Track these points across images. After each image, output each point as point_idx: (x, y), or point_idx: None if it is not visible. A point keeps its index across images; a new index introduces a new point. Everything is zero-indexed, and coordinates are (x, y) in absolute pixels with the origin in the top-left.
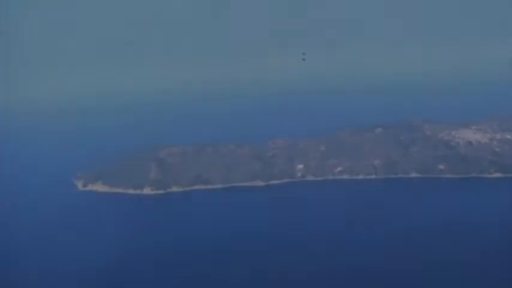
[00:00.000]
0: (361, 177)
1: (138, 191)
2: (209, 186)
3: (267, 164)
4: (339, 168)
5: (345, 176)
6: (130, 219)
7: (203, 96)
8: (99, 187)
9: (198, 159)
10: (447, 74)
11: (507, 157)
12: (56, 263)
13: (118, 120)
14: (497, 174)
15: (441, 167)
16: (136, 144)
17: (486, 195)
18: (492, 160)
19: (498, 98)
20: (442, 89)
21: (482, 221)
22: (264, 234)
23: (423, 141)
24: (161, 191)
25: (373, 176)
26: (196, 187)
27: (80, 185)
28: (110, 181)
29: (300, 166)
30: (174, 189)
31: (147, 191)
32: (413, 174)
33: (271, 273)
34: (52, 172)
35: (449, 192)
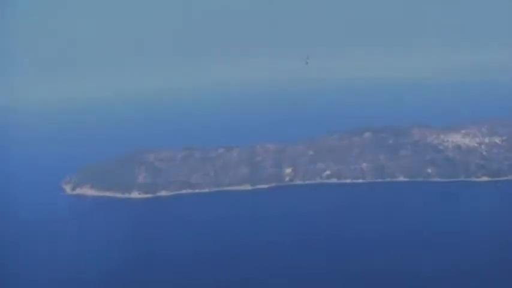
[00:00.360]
0: (348, 181)
1: (126, 195)
2: (197, 190)
3: (255, 168)
4: (327, 172)
5: (333, 180)
6: (113, 224)
7: (185, 99)
8: (87, 191)
9: (187, 163)
10: None
11: (495, 161)
12: (36, 268)
13: (111, 122)
14: (485, 178)
15: (429, 170)
16: (126, 147)
17: (472, 198)
18: (480, 164)
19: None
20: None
21: (466, 224)
22: (244, 240)
23: (412, 145)
24: (149, 195)
25: (360, 180)
26: (184, 191)
27: (68, 188)
28: (98, 185)
29: (288, 170)
30: (163, 193)
31: (135, 195)
32: (401, 178)
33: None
34: (42, 174)
35: (435, 195)
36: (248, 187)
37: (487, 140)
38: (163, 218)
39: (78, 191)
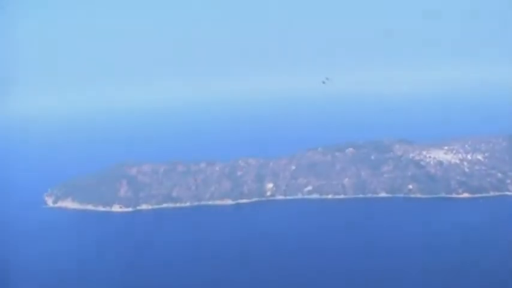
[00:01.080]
0: (330, 196)
1: (107, 209)
2: (178, 205)
3: (237, 182)
4: (309, 188)
5: (314, 196)
6: (87, 236)
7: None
8: (68, 204)
9: (169, 177)
10: None
11: (476, 178)
12: (8, 281)
13: (101, 134)
14: (465, 195)
15: (410, 186)
16: (110, 160)
17: (449, 214)
18: (461, 180)
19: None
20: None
21: (439, 240)
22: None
23: (394, 160)
24: (130, 209)
25: (342, 196)
26: (165, 205)
27: (50, 201)
28: (80, 198)
29: (270, 185)
30: (143, 207)
31: (115, 208)
32: (382, 194)
33: None
34: (28, 186)
35: (414, 211)
36: (229, 202)
37: (469, 156)
38: (139, 231)
39: (59, 204)
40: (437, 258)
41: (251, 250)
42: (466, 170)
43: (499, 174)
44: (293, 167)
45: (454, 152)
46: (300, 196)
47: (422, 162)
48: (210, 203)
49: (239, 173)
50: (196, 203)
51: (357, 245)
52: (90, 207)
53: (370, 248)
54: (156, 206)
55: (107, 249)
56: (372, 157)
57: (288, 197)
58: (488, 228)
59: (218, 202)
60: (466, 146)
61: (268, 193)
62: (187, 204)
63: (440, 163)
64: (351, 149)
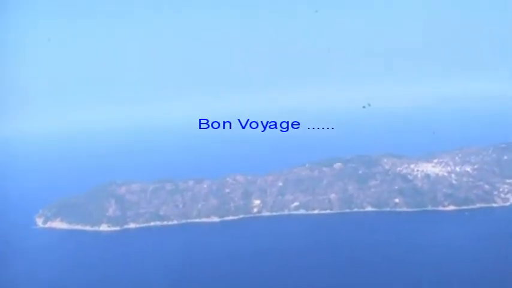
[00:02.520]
0: (316, 212)
1: (95, 228)
2: (165, 223)
3: (224, 199)
4: (295, 204)
5: (301, 211)
6: (72, 256)
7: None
8: (58, 224)
9: (157, 196)
10: None
11: (463, 190)
12: None
13: (92, 153)
14: (451, 207)
15: (396, 200)
16: (100, 179)
17: (433, 227)
18: (447, 193)
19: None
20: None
21: (419, 253)
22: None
23: (381, 175)
24: (117, 228)
25: (328, 211)
26: (152, 223)
27: (40, 222)
28: (69, 218)
29: (257, 202)
30: (131, 225)
31: (103, 227)
32: (369, 208)
33: None
34: (18, 207)
35: (397, 225)
36: (216, 219)
37: (458, 168)
38: (124, 250)
39: (49, 224)
40: (416, 271)
41: (231, 268)
42: (454, 182)
43: (486, 186)
44: (280, 184)
45: (443, 164)
46: (286, 212)
47: (409, 176)
48: (197, 220)
49: (227, 190)
50: (183, 221)
51: (338, 260)
52: (78, 227)
53: (352, 263)
54: (143, 225)
55: (87, 269)
56: (360, 171)
57: (275, 213)
58: (469, 240)
59: (205, 219)
60: (456, 158)
61: (255, 210)
62: (175, 222)
63: (428, 176)
64: (338, 164)
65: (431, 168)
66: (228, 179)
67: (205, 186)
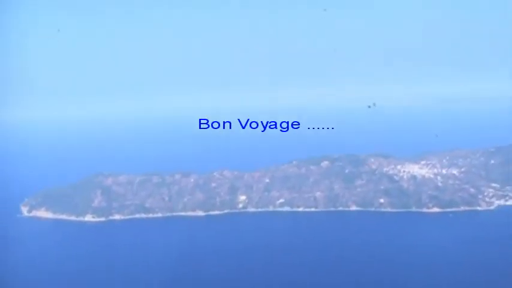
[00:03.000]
0: (301, 209)
1: (80, 218)
2: (150, 215)
3: (210, 194)
4: (281, 200)
5: (286, 208)
6: (51, 245)
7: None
8: (42, 213)
9: (144, 188)
10: None
11: (448, 192)
12: None
13: (85, 145)
14: (436, 209)
15: (381, 200)
16: (90, 170)
17: (416, 228)
18: (432, 195)
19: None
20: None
21: (401, 254)
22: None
23: (368, 174)
24: (102, 219)
25: (313, 209)
26: (137, 215)
27: (25, 210)
28: (54, 207)
29: (243, 197)
30: (116, 217)
31: (88, 218)
32: (354, 208)
33: None
34: (5, 196)
35: (379, 225)
36: (201, 213)
37: (444, 171)
38: (106, 241)
39: (34, 213)
40: (395, 271)
41: (214, 262)
42: (439, 184)
43: (472, 189)
44: (267, 180)
45: (430, 166)
46: (271, 209)
47: (395, 177)
48: (182, 214)
49: (213, 185)
50: (168, 214)
51: (320, 258)
52: (63, 216)
53: (334, 261)
54: (128, 217)
55: (66, 258)
56: (346, 171)
57: (260, 210)
58: (450, 242)
59: (190, 213)
60: (444, 160)
61: (240, 205)
62: (160, 215)
63: (414, 177)
64: (326, 163)
65: (418, 169)
66: (215, 174)
67: (192, 180)
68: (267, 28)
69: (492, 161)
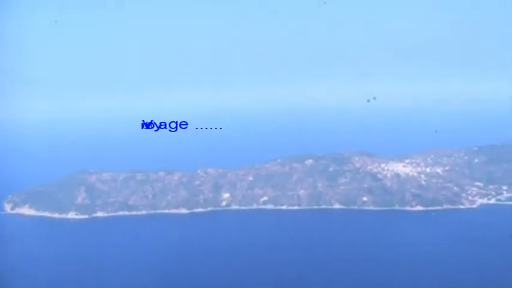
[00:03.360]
0: (284, 207)
1: (63, 215)
2: (134, 213)
3: (193, 192)
4: (264, 198)
5: (269, 206)
6: (32, 242)
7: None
8: (26, 210)
9: (128, 186)
10: None
11: (431, 190)
12: None
13: (71, 142)
14: (419, 207)
15: (364, 198)
16: (74, 168)
17: (397, 226)
18: (415, 193)
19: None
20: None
21: (383, 252)
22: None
23: (352, 173)
24: (86, 216)
25: (296, 207)
26: (121, 213)
27: (8, 207)
28: (37, 205)
29: (226, 195)
30: (99, 214)
31: (71, 215)
32: (337, 206)
33: None
34: None
35: (364, 223)
36: (184, 211)
37: (428, 169)
38: (88, 238)
39: (17, 210)
40: (377, 269)
41: (196, 259)
42: (423, 183)
43: (455, 188)
44: (251, 178)
45: (414, 165)
46: (255, 206)
47: (379, 175)
48: (166, 211)
49: (197, 182)
50: (152, 211)
51: (302, 256)
52: (46, 214)
53: (316, 259)
54: (111, 214)
55: (48, 254)
56: (330, 169)
57: (243, 207)
58: (432, 241)
59: (173, 211)
60: (428, 159)
61: (224, 203)
62: (143, 212)
63: (398, 176)
64: (309, 161)
65: (401, 168)
66: (199, 171)
67: (175, 177)
68: (262, 23)
69: (476, 160)
